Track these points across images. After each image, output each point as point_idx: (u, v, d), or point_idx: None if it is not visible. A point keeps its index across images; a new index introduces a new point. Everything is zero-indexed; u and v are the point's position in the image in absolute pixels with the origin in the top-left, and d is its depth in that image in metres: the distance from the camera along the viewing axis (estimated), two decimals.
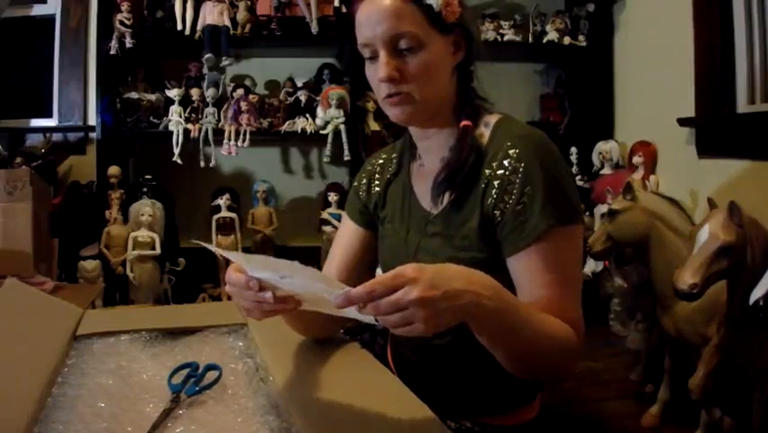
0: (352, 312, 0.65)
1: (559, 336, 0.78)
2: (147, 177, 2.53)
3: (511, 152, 0.84)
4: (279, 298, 0.70)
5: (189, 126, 2.53)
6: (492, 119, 0.91)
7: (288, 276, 0.67)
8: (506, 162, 0.84)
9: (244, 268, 0.71)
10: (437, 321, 0.63)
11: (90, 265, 2.35)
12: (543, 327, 0.76)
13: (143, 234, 2.41)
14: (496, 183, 0.84)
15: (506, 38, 2.78)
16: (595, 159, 2.74)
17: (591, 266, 2.47)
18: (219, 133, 2.55)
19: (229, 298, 0.76)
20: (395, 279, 0.62)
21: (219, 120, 2.57)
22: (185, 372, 0.84)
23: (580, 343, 0.81)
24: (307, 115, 2.64)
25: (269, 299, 0.70)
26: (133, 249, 2.39)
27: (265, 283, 0.70)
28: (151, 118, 2.57)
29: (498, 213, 0.84)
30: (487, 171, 0.86)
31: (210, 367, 0.85)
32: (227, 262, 0.78)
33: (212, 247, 0.80)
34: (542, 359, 0.79)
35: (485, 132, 0.90)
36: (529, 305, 0.78)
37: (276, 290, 0.70)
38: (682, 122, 2.30)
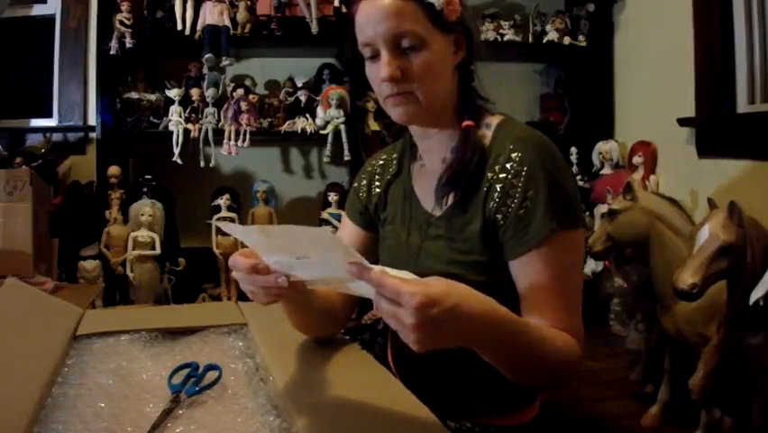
0: (360, 286, 0.65)
1: (560, 349, 0.78)
2: (147, 177, 2.53)
3: (513, 155, 0.84)
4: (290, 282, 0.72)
5: (189, 126, 2.53)
6: (493, 120, 0.91)
7: (303, 256, 0.67)
8: (508, 166, 0.84)
9: (259, 251, 0.71)
10: (427, 345, 0.63)
11: (90, 265, 2.35)
12: (545, 344, 0.76)
13: (143, 234, 2.41)
14: (498, 187, 0.84)
15: (506, 38, 2.78)
16: (595, 159, 2.75)
17: (591, 266, 2.47)
18: (219, 133, 2.55)
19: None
20: (401, 294, 0.61)
21: (219, 120, 2.57)
22: (185, 372, 0.84)
23: (582, 350, 0.81)
24: (307, 115, 2.64)
25: (282, 283, 0.71)
26: (133, 249, 2.39)
27: (277, 267, 0.71)
28: (151, 118, 2.56)
29: (500, 216, 0.84)
30: (489, 175, 0.85)
31: (210, 367, 0.85)
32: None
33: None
34: (545, 373, 0.79)
35: (486, 133, 0.90)
36: (529, 321, 0.78)
37: (289, 276, 0.71)
38: (682, 122, 2.30)
